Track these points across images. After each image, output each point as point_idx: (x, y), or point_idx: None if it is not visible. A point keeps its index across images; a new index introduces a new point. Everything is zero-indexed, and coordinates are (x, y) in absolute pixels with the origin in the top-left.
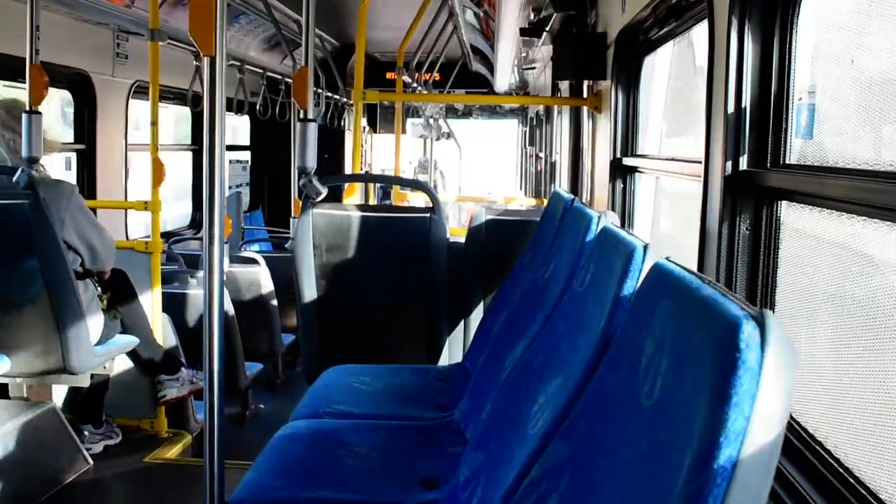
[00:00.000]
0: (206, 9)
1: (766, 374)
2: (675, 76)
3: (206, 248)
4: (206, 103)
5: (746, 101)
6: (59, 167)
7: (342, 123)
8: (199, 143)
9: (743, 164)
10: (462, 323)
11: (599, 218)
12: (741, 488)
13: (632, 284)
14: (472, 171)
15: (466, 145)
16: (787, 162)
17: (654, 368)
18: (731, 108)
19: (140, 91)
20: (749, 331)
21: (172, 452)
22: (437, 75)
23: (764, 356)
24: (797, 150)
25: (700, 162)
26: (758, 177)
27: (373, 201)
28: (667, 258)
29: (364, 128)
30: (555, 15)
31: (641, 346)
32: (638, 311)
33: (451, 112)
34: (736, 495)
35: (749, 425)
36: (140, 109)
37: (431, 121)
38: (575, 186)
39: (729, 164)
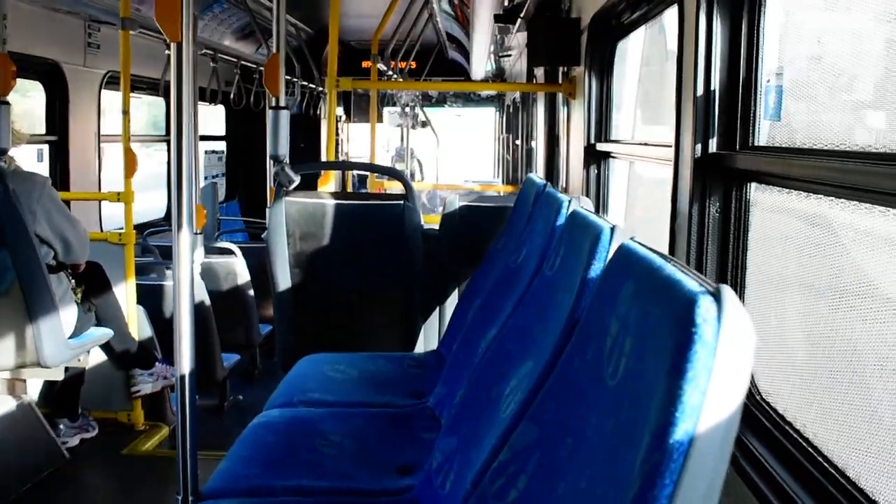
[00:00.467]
0: None
1: (723, 349)
2: (647, 61)
3: (175, 239)
4: (173, 91)
5: (715, 83)
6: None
7: (318, 112)
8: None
9: (712, 146)
10: (437, 309)
11: (570, 202)
12: (698, 463)
13: (599, 266)
14: (449, 159)
15: (444, 134)
16: (755, 144)
17: (619, 349)
18: (700, 91)
19: (113, 81)
20: (706, 305)
21: (149, 445)
22: (413, 63)
23: (720, 331)
24: (765, 131)
25: (670, 146)
26: (727, 159)
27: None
28: (632, 239)
29: (340, 117)
30: (529, 0)
31: (607, 327)
32: (603, 293)
33: (426, 100)
34: (693, 469)
35: (705, 400)
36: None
37: (408, 109)
38: (550, 172)
39: (699, 146)
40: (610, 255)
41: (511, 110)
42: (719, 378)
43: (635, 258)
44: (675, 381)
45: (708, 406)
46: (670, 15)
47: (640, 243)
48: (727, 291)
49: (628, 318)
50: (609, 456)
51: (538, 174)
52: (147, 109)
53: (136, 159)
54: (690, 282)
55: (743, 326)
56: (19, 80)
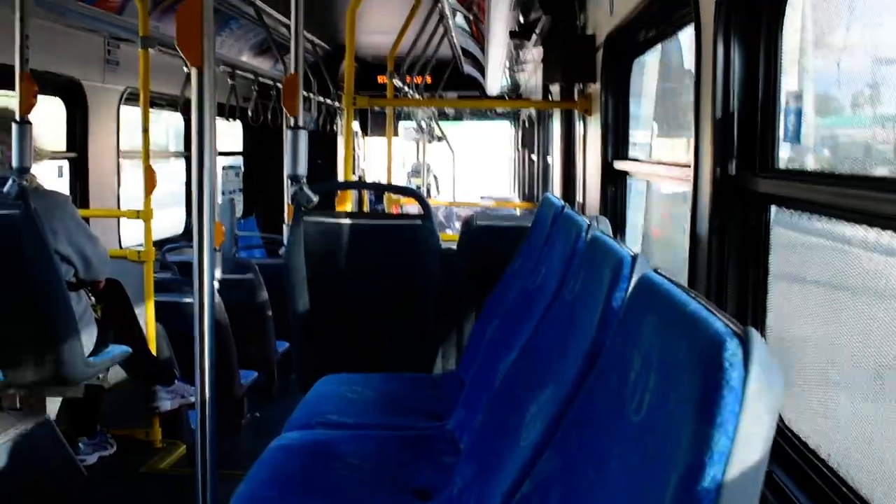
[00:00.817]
0: (193, 21)
1: (750, 394)
2: (664, 78)
3: (196, 257)
4: (194, 113)
5: (734, 104)
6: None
7: (335, 128)
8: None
9: (732, 168)
10: (455, 330)
11: (589, 226)
12: None
13: (620, 295)
14: (465, 174)
15: (460, 148)
16: (775, 166)
17: (642, 383)
18: (718, 113)
19: (132, 98)
20: (733, 349)
21: (167, 463)
22: (428, 78)
23: (748, 375)
24: (786, 154)
25: (689, 166)
26: (747, 181)
27: (367, 207)
28: (655, 269)
29: (356, 132)
30: (544, 17)
31: (630, 360)
32: (626, 324)
33: (441, 115)
34: None
35: (733, 446)
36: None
37: (423, 124)
38: (567, 190)
39: (718, 168)
40: (632, 285)
41: (527, 125)
42: (747, 424)
43: (657, 290)
44: (702, 425)
45: (736, 452)
46: (687, 33)
47: (662, 274)
48: (754, 335)
49: (651, 352)
50: (633, 493)
51: (555, 192)
52: (157, 119)
53: (155, 177)
54: (716, 322)
55: (770, 371)
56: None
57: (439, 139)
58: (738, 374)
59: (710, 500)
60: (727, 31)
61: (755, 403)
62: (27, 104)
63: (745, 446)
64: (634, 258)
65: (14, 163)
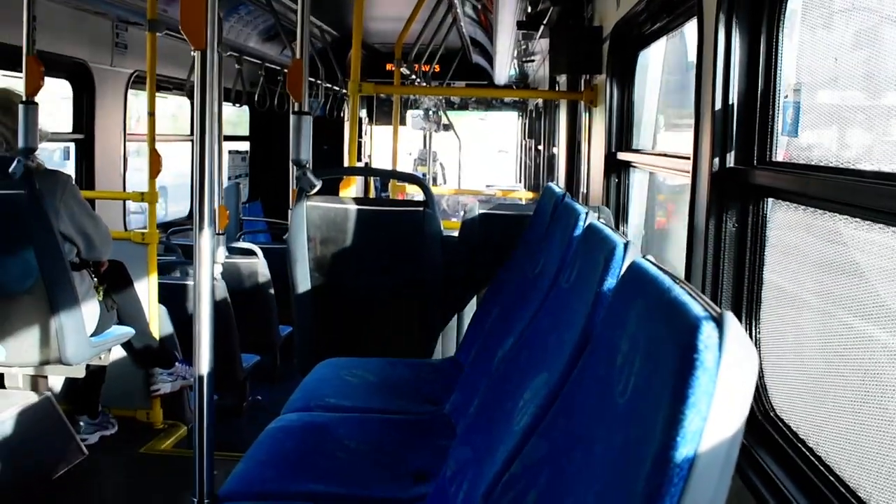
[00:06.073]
0: (197, 3)
1: (724, 375)
2: (668, 70)
3: (196, 239)
4: (196, 96)
5: (734, 98)
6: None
7: (342, 114)
8: None
9: (730, 161)
10: (456, 316)
11: (587, 214)
12: (698, 487)
13: (612, 282)
14: (472, 163)
15: (466, 137)
16: (773, 159)
17: (629, 367)
18: (718, 105)
19: (139, 81)
20: (708, 332)
21: (167, 444)
22: (436, 67)
23: (721, 357)
24: (783, 147)
25: (689, 158)
26: (744, 174)
27: (372, 194)
28: (644, 256)
29: (363, 119)
30: (552, 8)
31: (617, 345)
32: (615, 310)
33: (449, 104)
34: (693, 493)
35: (706, 425)
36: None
37: (431, 113)
38: (571, 180)
39: (716, 160)
40: (622, 272)
41: (534, 115)
42: (720, 404)
43: (645, 277)
44: (677, 406)
45: (708, 431)
46: (691, 27)
47: (651, 261)
48: (730, 317)
49: (638, 336)
50: (615, 474)
51: (559, 182)
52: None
53: (160, 160)
54: (695, 306)
55: (744, 353)
56: None
57: (446, 128)
58: (714, 355)
59: (682, 478)
60: (728, 24)
61: (729, 384)
62: (34, 86)
63: (718, 425)
64: (626, 246)
65: (20, 143)
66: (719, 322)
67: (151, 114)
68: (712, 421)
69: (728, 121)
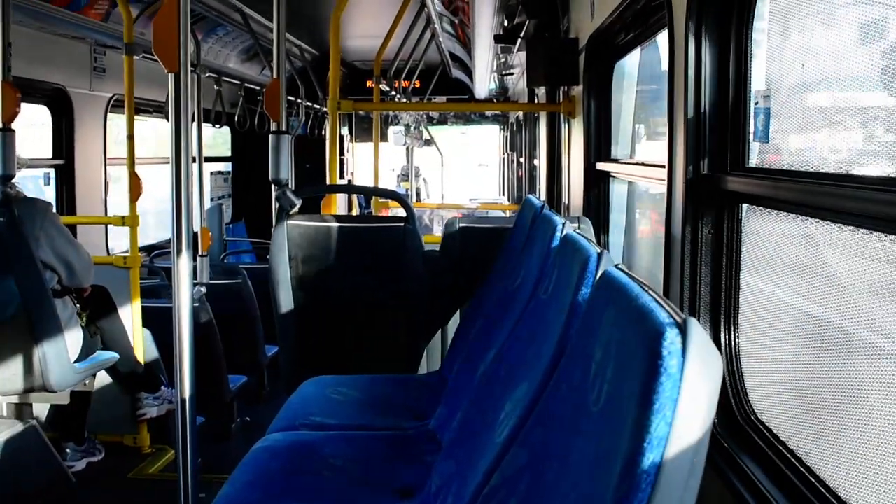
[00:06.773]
0: (169, 25)
1: (687, 381)
2: (644, 80)
3: (175, 261)
4: (171, 119)
5: (705, 105)
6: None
7: (323, 132)
8: None
9: (704, 167)
10: (440, 331)
11: (564, 225)
12: (666, 492)
13: (586, 291)
14: (455, 177)
15: (449, 151)
16: (747, 165)
17: (602, 375)
18: (691, 113)
19: (119, 105)
20: (671, 338)
21: (155, 468)
22: (416, 82)
23: (685, 363)
24: (755, 153)
25: (664, 166)
26: (718, 181)
27: (356, 212)
28: (616, 265)
29: (344, 136)
30: (528, 21)
31: (591, 353)
32: (588, 319)
33: (428, 119)
34: (661, 499)
35: (671, 430)
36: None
37: (412, 128)
38: (552, 192)
39: (691, 168)
40: (596, 281)
41: (514, 128)
42: (684, 409)
43: (616, 285)
44: (644, 412)
45: (674, 437)
46: (664, 37)
47: (623, 270)
48: (693, 324)
49: (610, 344)
50: (589, 482)
51: (541, 193)
52: (148, 126)
53: (140, 183)
54: (661, 312)
55: (708, 359)
56: None
57: (428, 143)
58: (677, 361)
59: (650, 483)
60: (698, 33)
61: (693, 389)
62: (10, 112)
63: (683, 430)
64: (600, 255)
65: None
66: (683, 328)
67: (130, 137)
68: (677, 426)
69: (701, 128)
